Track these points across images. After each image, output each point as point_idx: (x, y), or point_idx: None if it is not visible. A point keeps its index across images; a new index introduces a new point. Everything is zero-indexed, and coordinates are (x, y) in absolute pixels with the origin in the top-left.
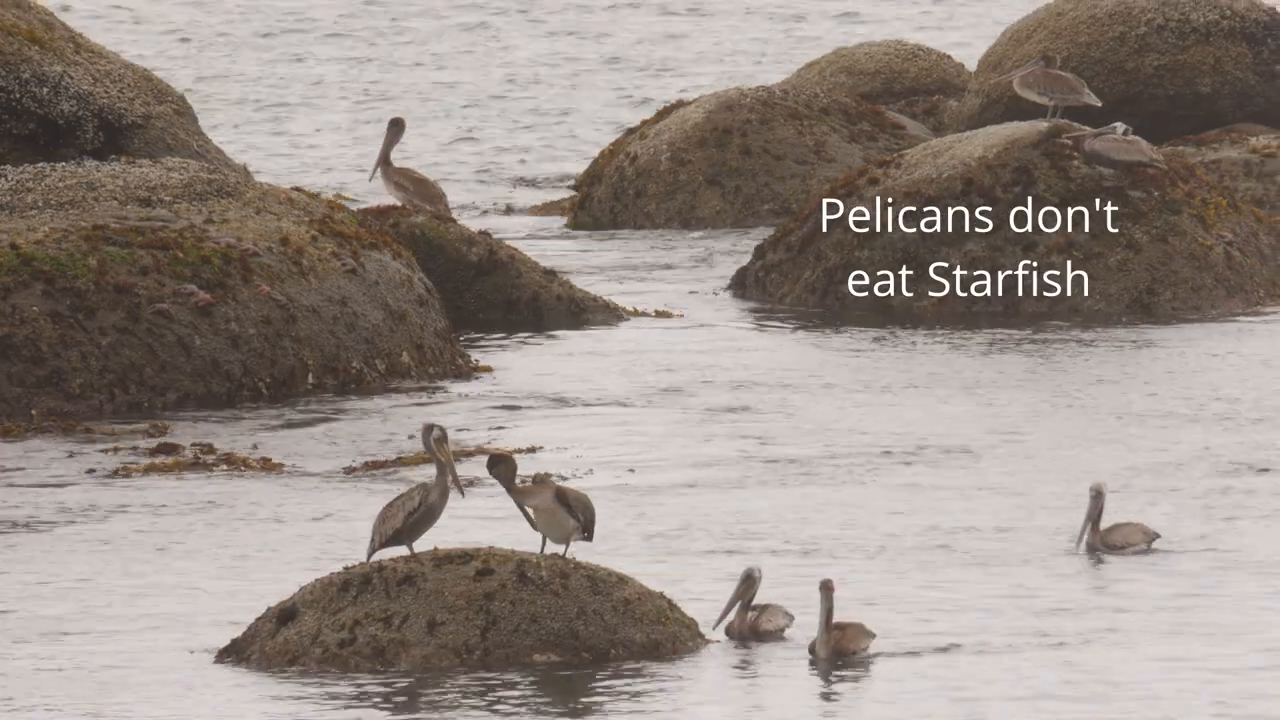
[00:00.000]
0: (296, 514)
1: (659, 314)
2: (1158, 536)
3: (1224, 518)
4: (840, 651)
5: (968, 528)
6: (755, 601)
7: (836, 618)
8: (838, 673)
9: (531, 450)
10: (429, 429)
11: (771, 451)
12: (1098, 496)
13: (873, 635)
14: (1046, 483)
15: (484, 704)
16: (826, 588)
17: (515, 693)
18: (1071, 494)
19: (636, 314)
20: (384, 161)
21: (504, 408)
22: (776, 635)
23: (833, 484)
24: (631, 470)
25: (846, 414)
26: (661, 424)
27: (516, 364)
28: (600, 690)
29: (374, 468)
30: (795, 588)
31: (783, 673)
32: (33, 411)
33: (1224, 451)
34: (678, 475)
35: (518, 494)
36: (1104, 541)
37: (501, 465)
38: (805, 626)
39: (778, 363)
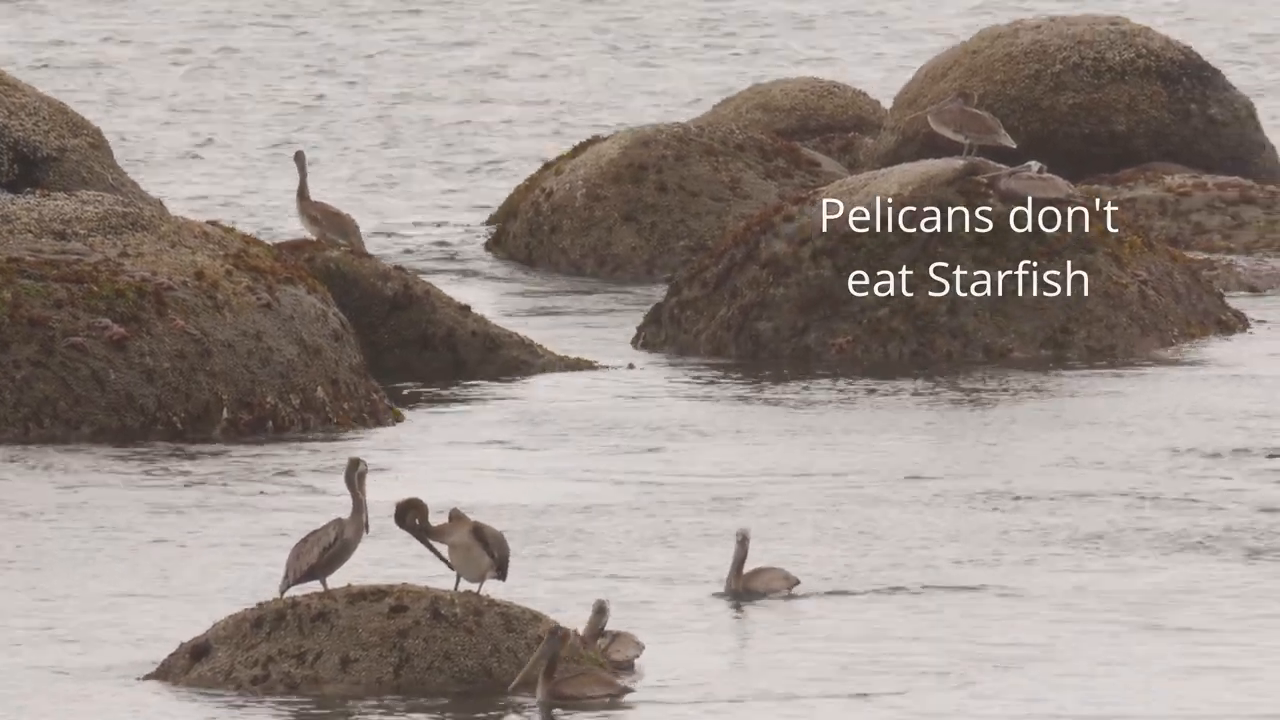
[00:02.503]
0: None
1: (575, 362)
2: (798, 583)
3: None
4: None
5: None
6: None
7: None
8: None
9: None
10: (354, 463)
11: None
12: (743, 542)
13: (642, 646)
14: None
15: None
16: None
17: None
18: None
19: (549, 353)
20: (300, 195)
21: (407, 447)
22: (626, 665)
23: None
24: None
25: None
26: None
27: (429, 405)
28: None
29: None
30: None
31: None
32: None
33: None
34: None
35: (433, 532)
36: (746, 587)
37: (411, 512)
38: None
39: (674, 404)
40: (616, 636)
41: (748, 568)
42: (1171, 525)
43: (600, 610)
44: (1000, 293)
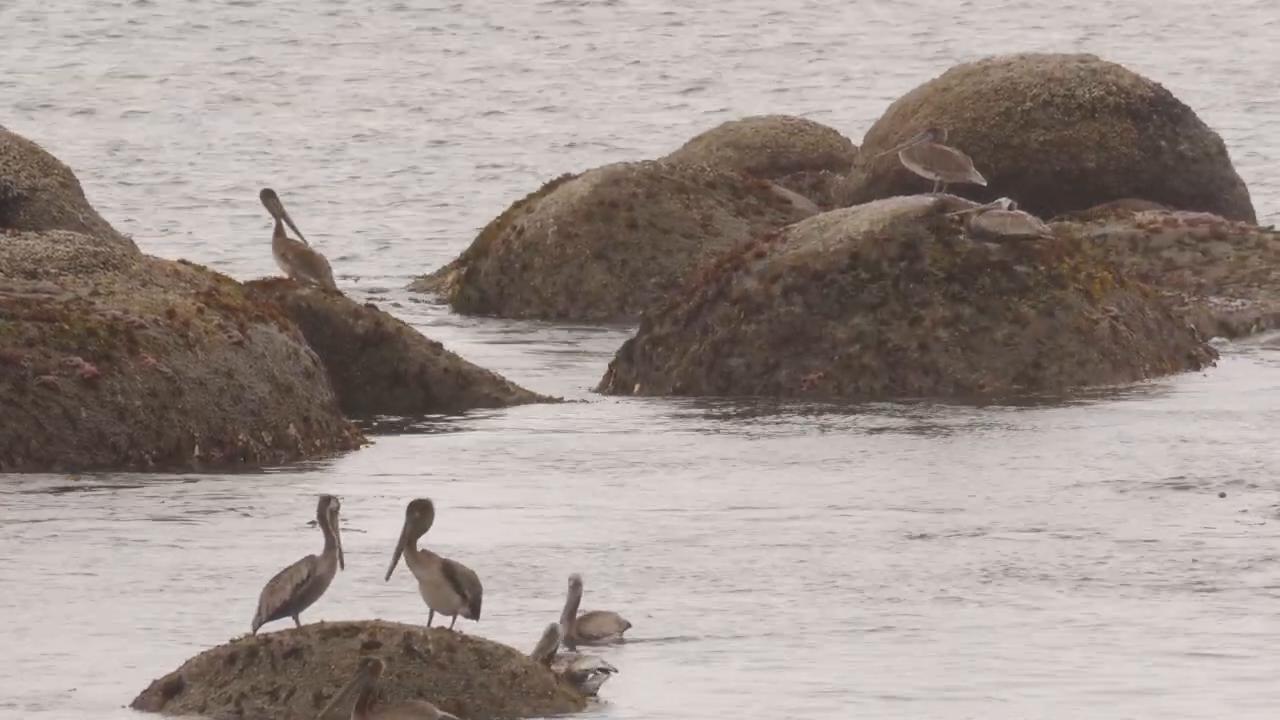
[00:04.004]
0: None
1: (547, 399)
2: (629, 626)
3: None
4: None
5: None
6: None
7: None
8: None
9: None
10: (325, 500)
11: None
12: (575, 587)
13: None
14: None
15: None
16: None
17: None
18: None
19: (521, 390)
20: (275, 232)
21: (379, 475)
22: (602, 640)
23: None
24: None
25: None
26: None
27: (400, 437)
28: None
29: None
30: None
31: None
32: None
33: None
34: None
35: (409, 552)
36: (579, 632)
37: (419, 513)
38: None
39: (646, 439)
40: (594, 614)
41: (583, 610)
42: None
43: (551, 634)
44: (971, 329)
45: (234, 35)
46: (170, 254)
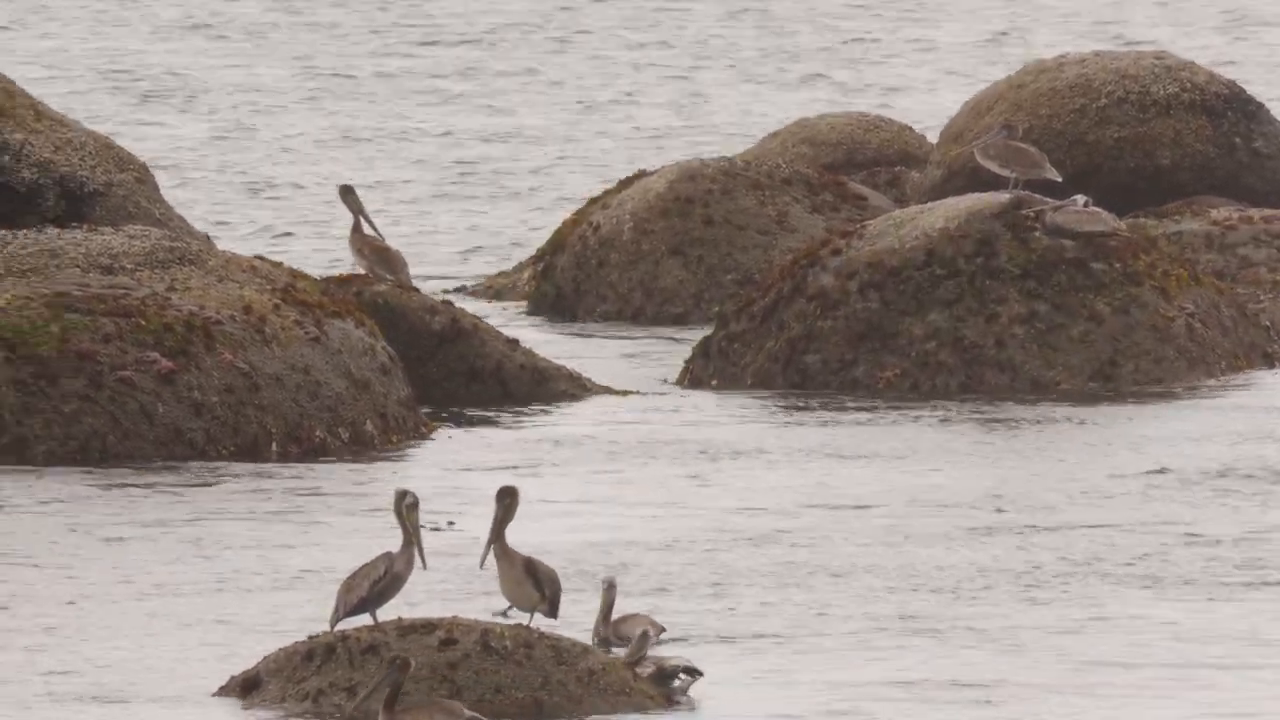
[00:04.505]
0: None
1: (622, 395)
2: (663, 630)
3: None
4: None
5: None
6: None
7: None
8: None
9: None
10: (401, 495)
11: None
12: (610, 589)
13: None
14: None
15: None
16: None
17: None
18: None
19: (597, 386)
20: (353, 230)
21: (464, 470)
22: (628, 641)
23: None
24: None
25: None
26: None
27: (478, 432)
28: None
29: None
30: None
31: None
32: None
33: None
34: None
35: (498, 543)
36: (615, 634)
37: (509, 499)
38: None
39: (724, 433)
40: (629, 617)
41: (616, 614)
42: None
43: (643, 638)
44: (1047, 326)
45: (316, 32)
46: (263, 249)
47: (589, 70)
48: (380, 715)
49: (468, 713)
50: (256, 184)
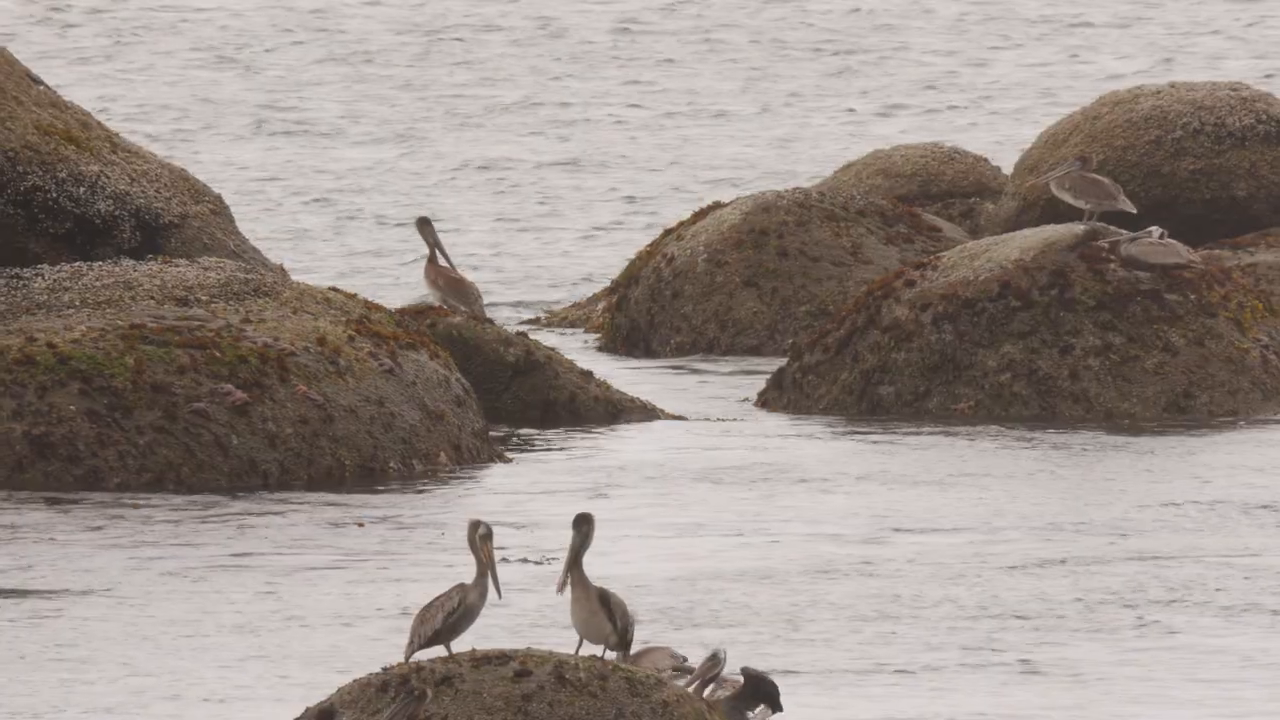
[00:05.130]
0: None
1: (695, 419)
2: (685, 660)
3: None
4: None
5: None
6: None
7: None
8: None
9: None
10: (475, 525)
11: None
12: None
13: (680, 658)
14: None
15: None
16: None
17: None
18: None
19: (672, 416)
20: (428, 259)
21: (538, 498)
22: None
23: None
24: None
25: (834, 503)
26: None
27: (552, 461)
28: None
29: None
30: None
31: None
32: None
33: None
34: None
35: (574, 570)
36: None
37: (586, 526)
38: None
39: (800, 459)
40: (649, 650)
41: (637, 647)
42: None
43: (712, 659)
44: (1122, 358)
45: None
46: (338, 281)
47: (657, 98)
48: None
49: None
50: (337, 214)
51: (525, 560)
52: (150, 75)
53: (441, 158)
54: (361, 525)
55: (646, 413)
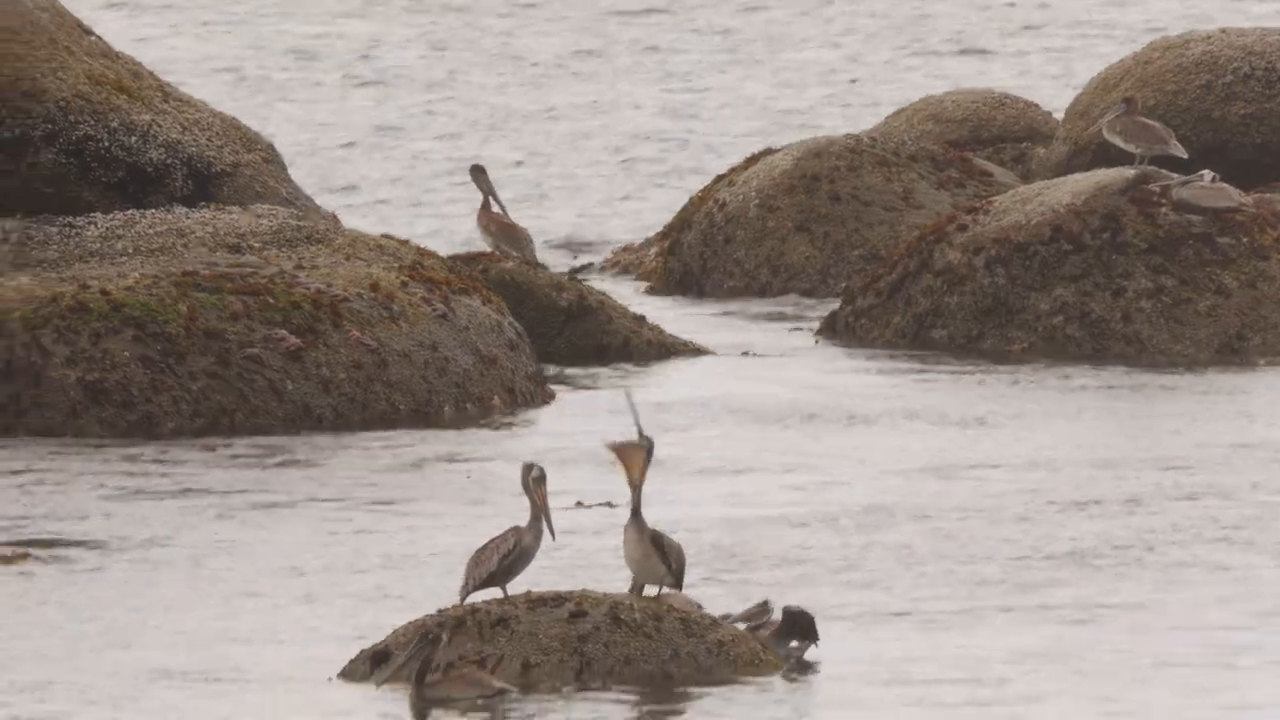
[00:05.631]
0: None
1: (747, 355)
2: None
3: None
4: None
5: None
6: None
7: None
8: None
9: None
10: (528, 468)
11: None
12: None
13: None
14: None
15: None
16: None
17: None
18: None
19: (725, 357)
20: (482, 206)
21: (587, 434)
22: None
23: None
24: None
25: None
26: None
27: (601, 400)
28: None
29: None
30: None
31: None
32: None
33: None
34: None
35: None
36: None
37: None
38: None
39: (853, 400)
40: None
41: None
42: None
43: (762, 607)
44: (1174, 300)
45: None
46: (390, 228)
47: (710, 47)
48: (411, 688)
49: (497, 684)
50: (390, 161)
51: (579, 504)
52: (205, 29)
53: (489, 107)
54: (469, 476)
55: (699, 355)
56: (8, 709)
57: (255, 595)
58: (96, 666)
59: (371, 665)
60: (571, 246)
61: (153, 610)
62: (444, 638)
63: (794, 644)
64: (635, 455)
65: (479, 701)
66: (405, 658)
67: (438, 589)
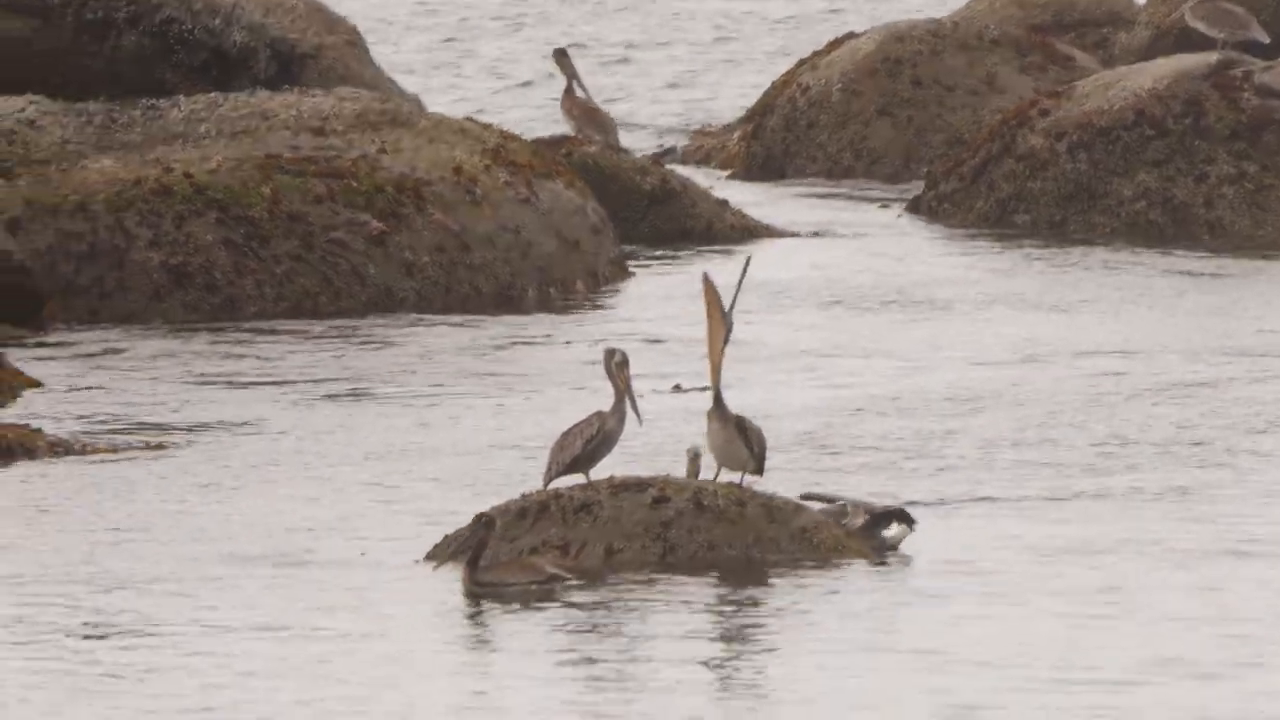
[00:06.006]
0: None
1: (830, 239)
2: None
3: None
4: None
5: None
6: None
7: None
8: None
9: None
10: (610, 353)
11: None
12: (695, 459)
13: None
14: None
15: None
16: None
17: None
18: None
19: (807, 239)
20: (566, 91)
21: (669, 318)
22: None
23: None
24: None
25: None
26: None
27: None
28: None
29: None
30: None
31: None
32: None
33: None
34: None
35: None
36: None
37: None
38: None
39: (935, 285)
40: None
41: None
42: None
43: (840, 511)
44: (1256, 186)
45: None
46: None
47: None
48: (464, 572)
49: (550, 569)
50: (469, 48)
51: (678, 388)
52: None
53: None
54: (569, 343)
55: (782, 238)
56: (88, 599)
57: (332, 481)
58: (175, 554)
59: (456, 549)
60: (656, 130)
61: (233, 496)
62: (497, 522)
63: (888, 531)
64: (717, 326)
65: (532, 587)
66: (462, 542)
67: (521, 473)
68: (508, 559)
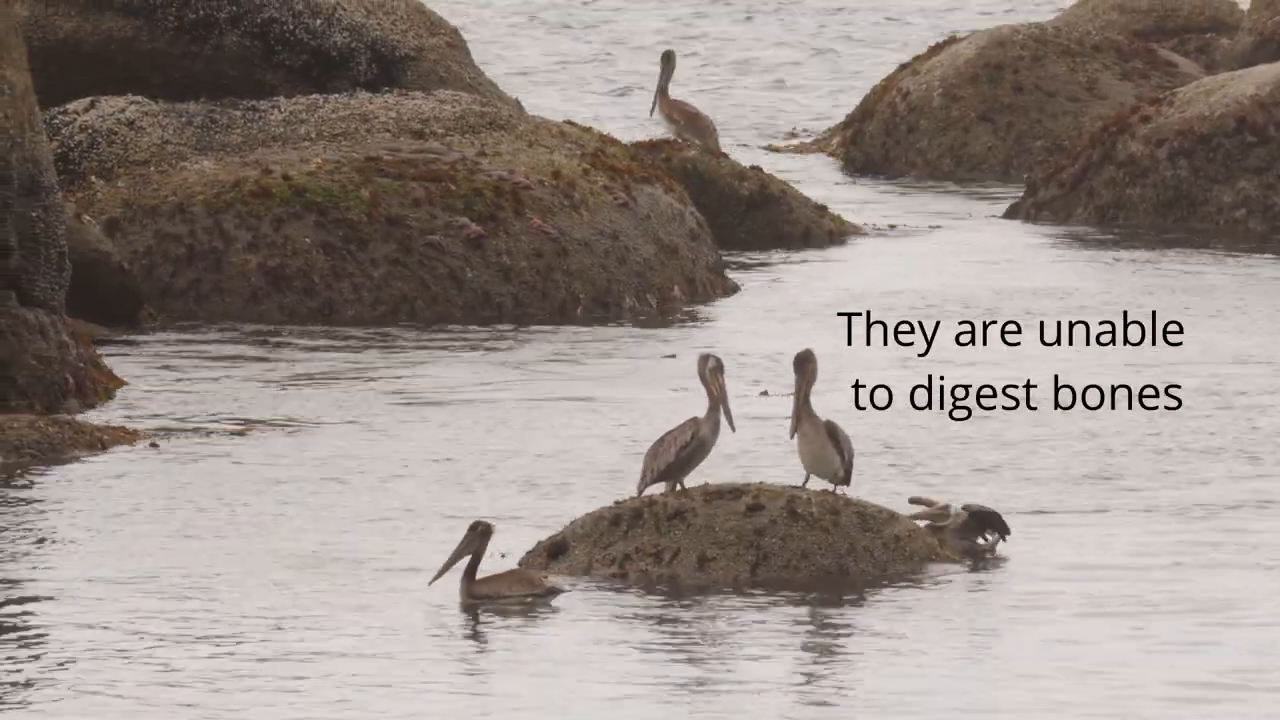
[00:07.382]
0: None
1: (929, 242)
2: None
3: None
4: None
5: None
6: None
7: None
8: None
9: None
10: (704, 359)
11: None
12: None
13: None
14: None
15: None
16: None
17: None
18: None
19: (907, 246)
20: (661, 94)
21: (766, 324)
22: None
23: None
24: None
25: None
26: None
27: (782, 290)
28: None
29: None
30: None
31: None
32: None
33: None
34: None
35: (805, 408)
36: None
37: (808, 365)
38: None
39: (1030, 287)
40: None
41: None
42: None
43: (942, 512)
44: None
45: None
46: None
47: None
48: (461, 583)
49: (548, 582)
50: (573, 49)
51: (764, 394)
52: None
53: None
54: (674, 356)
55: (880, 243)
56: (154, 599)
57: (411, 478)
58: (232, 550)
59: (548, 557)
60: (759, 130)
61: (314, 495)
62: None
63: (982, 540)
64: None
65: (528, 599)
66: (460, 547)
67: (614, 479)
68: (504, 571)
